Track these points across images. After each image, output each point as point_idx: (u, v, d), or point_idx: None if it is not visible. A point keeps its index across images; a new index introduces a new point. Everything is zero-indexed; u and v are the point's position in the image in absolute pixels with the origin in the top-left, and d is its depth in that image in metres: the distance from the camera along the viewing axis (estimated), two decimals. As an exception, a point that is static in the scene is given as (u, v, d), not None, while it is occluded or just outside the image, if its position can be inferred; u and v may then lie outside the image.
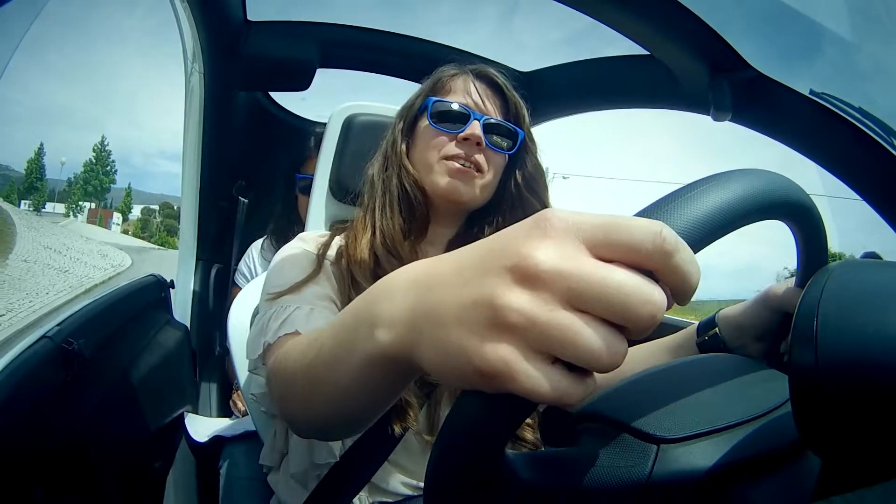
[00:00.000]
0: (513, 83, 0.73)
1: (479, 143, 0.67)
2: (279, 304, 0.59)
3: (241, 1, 1.25)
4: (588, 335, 0.22)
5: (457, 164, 0.67)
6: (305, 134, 1.53)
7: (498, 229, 0.71)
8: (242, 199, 1.67)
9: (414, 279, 0.29)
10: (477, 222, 0.73)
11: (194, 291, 1.60)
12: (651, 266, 0.23)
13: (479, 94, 0.70)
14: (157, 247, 48.22)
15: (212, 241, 1.63)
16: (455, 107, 0.69)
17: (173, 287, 1.36)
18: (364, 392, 0.35)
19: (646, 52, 0.95)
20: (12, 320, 8.37)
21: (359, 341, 0.32)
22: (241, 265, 1.52)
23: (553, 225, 0.24)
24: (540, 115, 1.55)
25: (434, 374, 0.27)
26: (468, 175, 0.67)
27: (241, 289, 1.28)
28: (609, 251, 0.23)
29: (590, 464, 0.32)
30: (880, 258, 0.50)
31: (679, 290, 0.25)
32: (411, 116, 0.72)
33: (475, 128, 0.67)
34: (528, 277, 0.23)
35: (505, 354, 0.23)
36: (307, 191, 1.43)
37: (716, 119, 0.91)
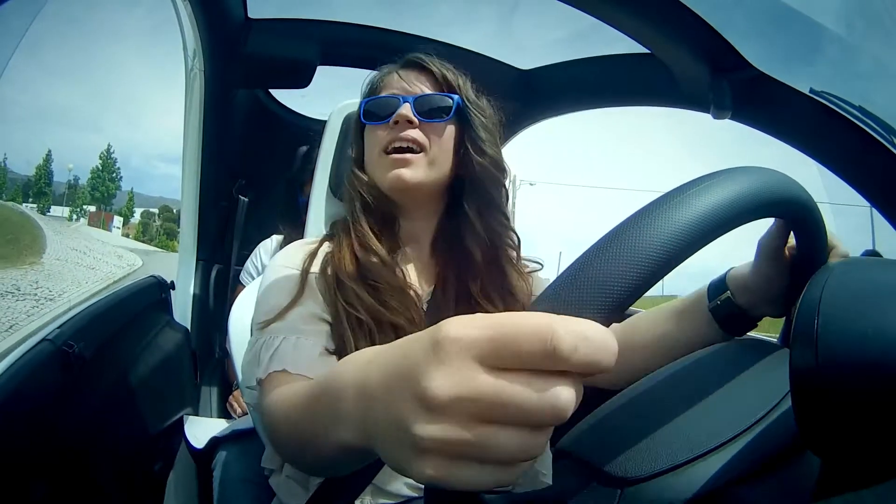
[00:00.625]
0: (440, 59, 0.72)
1: (410, 121, 0.66)
2: (268, 333, 0.60)
3: None
4: (501, 442, 0.24)
5: (395, 154, 0.67)
6: (306, 132, 1.53)
7: (472, 217, 0.68)
8: (242, 198, 1.67)
9: (361, 387, 0.31)
10: (452, 209, 0.71)
11: (194, 293, 1.60)
12: (551, 368, 0.24)
13: (406, 81, 0.70)
14: (159, 250, 52.71)
15: (212, 241, 1.63)
16: (382, 99, 0.69)
17: (173, 288, 1.36)
18: (345, 459, 0.39)
19: (646, 51, 0.95)
20: (69, 297, 11.34)
21: (329, 428, 0.35)
22: (248, 264, 1.52)
23: (446, 350, 0.24)
24: (540, 112, 1.55)
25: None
26: (407, 160, 0.66)
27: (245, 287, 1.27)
28: (504, 363, 0.24)
29: None
30: (880, 257, 0.50)
31: (591, 376, 0.25)
32: (357, 124, 0.73)
33: (403, 108, 0.66)
34: (432, 407, 0.24)
35: (433, 472, 0.25)
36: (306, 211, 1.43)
37: (716, 118, 0.91)
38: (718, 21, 0.76)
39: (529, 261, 0.78)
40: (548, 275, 0.78)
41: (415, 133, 0.66)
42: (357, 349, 0.59)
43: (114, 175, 77.32)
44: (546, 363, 0.24)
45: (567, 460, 0.36)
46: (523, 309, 0.68)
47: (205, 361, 1.55)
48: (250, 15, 1.30)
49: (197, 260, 1.61)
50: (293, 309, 0.62)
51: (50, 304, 10.64)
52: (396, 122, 0.66)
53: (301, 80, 1.39)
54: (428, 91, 0.69)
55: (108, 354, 0.89)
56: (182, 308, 1.55)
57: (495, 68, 1.45)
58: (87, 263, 18.24)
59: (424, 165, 0.67)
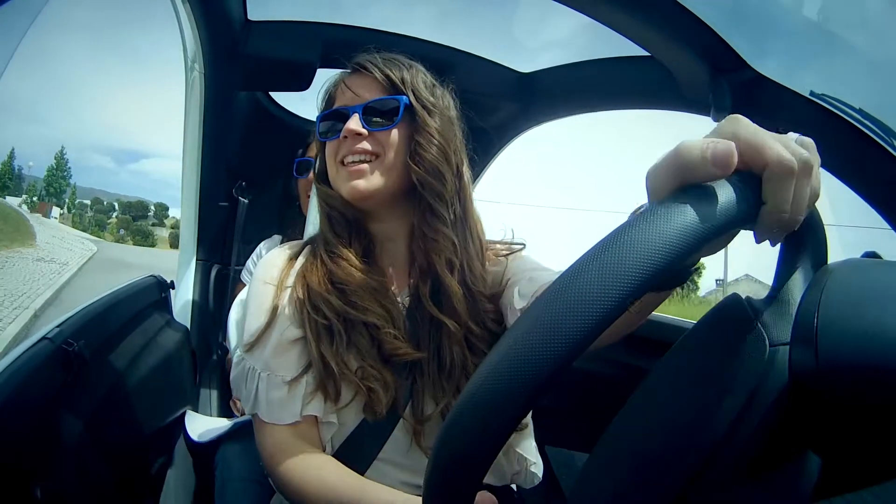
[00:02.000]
0: (388, 57, 0.71)
1: (359, 134, 0.67)
2: (248, 360, 0.67)
3: (241, 0, 1.25)
4: None
5: (350, 166, 0.68)
6: (306, 134, 1.53)
7: (425, 216, 0.70)
8: (242, 199, 1.67)
9: None
10: (420, 202, 0.70)
11: (194, 292, 1.60)
12: None
13: (352, 89, 0.70)
14: (102, 239, 60.60)
15: (211, 241, 1.63)
16: (331, 113, 0.70)
17: (173, 288, 1.36)
18: None
19: (646, 53, 0.95)
20: (73, 264, 15.95)
21: None
22: (249, 263, 1.52)
23: None
24: (540, 116, 1.55)
25: None
26: (361, 171, 0.67)
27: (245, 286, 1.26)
28: None
29: None
30: (880, 258, 0.50)
31: None
32: (317, 139, 0.74)
33: (351, 122, 0.67)
34: None
35: None
36: (305, 173, 1.43)
37: (716, 120, 0.91)
38: (718, 21, 0.77)
39: (512, 243, 0.79)
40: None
41: (365, 145, 0.67)
42: (321, 356, 0.63)
43: (65, 174, 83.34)
44: None
45: None
46: (493, 297, 0.72)
47: (204, 361, 1.55)
48: (250, 17, 1.30)
49: (197, 260, 1.61)
50: (268, 334, 0.66)
51: (65, 266, 15.05)
52: (346, 137, 0.67)
53: (301, 82, 1.39)
54: (374, 96, 0.69)
55: (107, 353, 0.89)
56: (182, 308, 1.55)
57: (495, 71, 1.45)
58: (66, 247, 24.47)
59: (380, 173, 0.68)
